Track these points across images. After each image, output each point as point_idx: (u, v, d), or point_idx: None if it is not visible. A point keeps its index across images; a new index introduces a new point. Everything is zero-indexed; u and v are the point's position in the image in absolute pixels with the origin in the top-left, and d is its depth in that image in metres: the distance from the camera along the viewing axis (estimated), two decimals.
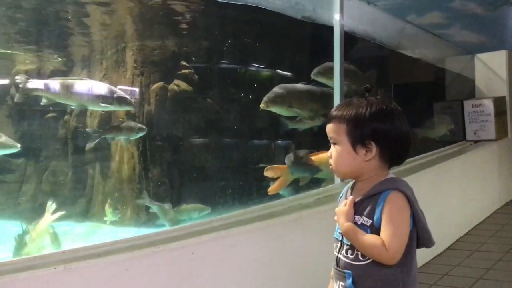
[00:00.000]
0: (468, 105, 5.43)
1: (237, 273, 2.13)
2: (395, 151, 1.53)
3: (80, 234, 4.31)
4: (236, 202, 4.38)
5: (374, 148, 1.50)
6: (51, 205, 3.63)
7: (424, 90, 5.76)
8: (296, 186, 3.84)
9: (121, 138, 3.91)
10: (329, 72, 3.32)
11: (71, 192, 4.92)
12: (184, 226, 2.17)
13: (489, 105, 5.31)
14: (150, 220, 4.29)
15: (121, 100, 3.42)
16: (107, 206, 4.31)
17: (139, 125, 3.93)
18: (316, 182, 3.44)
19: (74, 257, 1.72)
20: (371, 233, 1.46)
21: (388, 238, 1.42)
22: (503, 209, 5.30)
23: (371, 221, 1.47)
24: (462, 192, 4.52)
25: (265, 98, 3.54)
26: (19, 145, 3.55)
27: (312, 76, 3.53)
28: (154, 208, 4.09)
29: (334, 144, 1.56)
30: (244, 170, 4.65)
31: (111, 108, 3.42)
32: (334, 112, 1.57)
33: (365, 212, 1.49)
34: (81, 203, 4.83)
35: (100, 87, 3.25)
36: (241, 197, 4.35)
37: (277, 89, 3.62)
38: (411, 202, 1.47)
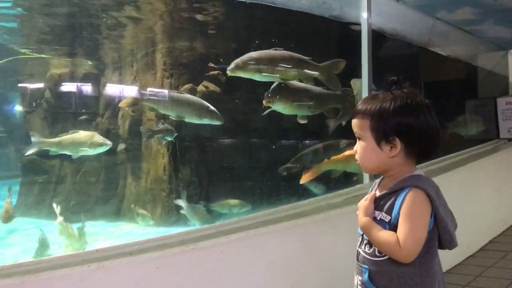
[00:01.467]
0: (501, 102, 5.30)
1: (265, 272, 2.15)
2: (422, 147, 1.49)
3: (112, 233, 4.41)
4: (264, 202, 4.39)
5: (398, 145, 1.46)
6: (57, 207, 3.71)
7: (455, 88, 5.64)
8: (325, 185, 3.83)
9: (165, 138, 4.10)
10: (248, 65, 3.22)
11: (103, 193, 5.04)
12: (213, 225, 2.19)
13: None
14: (180, 219, 4.35)
15: (213, 115, 3.70)
16: (138, 211, 4.39)
17: (170, 127, 4.10)
18: (347, 176, 3.43)
19: (107, 255, 1.76)
20: (390, 229, 1.44)
21: (403, 236, 1.39)
22: None
23: (389, 217, 1.45)
24: (495, 191, 4.41)
25: (267, 94, 3.41)
26: (110, 143, 3.72)
27: (229, 72, 3.23)
28: (187, 209, 4.16)
29: (359, 139, 1.54)
30: (272, 170, 4.66)
31: (204, 121, 3.73)
32: (359, 106, 1.54)
33: (385, 208, 1.47)
34: (113, 203, 4.93)
35: (196, 102, 3.62)
36: (270, 197, 4.36)
37: (279, 85, 3.49)
38: (433, 201, 1.42)
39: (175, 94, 3.80)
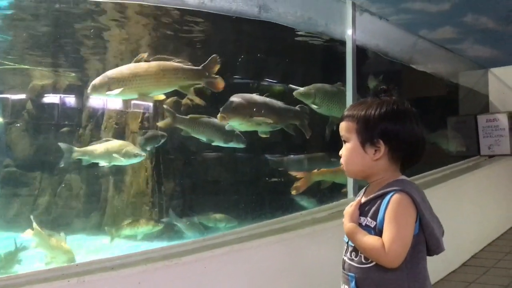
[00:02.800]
0: (482, 119, 5.39)
1: (250, 287, 2.12)
2: (405, 151, 1.51)
3: (94, 247, 4.33)
4: (249, 216, 4.37)
5: (382, 147, 1.49)
6: (33, 219, 3.65)
7: (437, 104, 5.73)
8: (311, 199, 3.85)
9: (150, 146, 4.06)
10: (104, 86, 2.91)
11: (84, 206, 4.96)
12: (197, 240, 2.17)
13: (503, 119, 5.27)
14: (163, 233, 4.30)
15: (238, 138, 3.76)
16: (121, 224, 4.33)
17: (160, 132, 4.05)
18: (336, 187, 3.44)
19: (88, 270, 1.73)
20: (375, 234, 1.43)
21: (388, 240, 1.39)
22: None
23: (375, 223, 1.45)
24: (477, 207, 4.46)
25: (223, 109, 3.15)
26: (144, 154, 3.68)
27: (89, 94, 3.01)
28: (180, 225, 4.12)
29: (345, 142, 1.56)
30: (257, 184, 4.65)
31: (230, 144, 3.76)
32: (346, 111, 1.58)
33: (370, 214, 1.47)
34: (94, 216, 4.86)
35: (222, 127, 3.56)
36: (254, 211, 4.35)
37: (235, 99, 3.21)
38: (418, 205, 1.43)
39: (205, 118, 3.78)
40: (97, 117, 5.12)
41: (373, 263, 1.44)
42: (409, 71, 5.14)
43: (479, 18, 6.70)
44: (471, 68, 6.06)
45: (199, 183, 4.76)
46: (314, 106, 3.56)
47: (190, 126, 3.64)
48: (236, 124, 3.27)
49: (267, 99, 3.45)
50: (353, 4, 3.33)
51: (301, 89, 3.59)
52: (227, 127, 3.41)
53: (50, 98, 5.50)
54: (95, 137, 5.07)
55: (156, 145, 4.08)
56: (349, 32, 3.31)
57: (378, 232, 1.43)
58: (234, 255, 2.08)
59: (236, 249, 2.08)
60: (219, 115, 3.14)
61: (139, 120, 4.81)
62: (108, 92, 2.93)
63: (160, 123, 3.98)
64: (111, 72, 2.99)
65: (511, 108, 5.57)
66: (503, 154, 5.26)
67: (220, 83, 3.09)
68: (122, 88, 2.90)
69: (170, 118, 3.66)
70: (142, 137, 4.19)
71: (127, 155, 3.59)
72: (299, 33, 4.16)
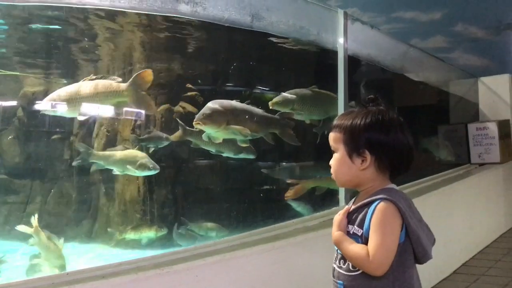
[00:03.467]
0: (472, 128, 5.45)
1: None
2: (392, 161, 1.53)
3: (84, 255, 4.29)
4: (240, 224, 4.36)
5: (368, 157, 1.51)
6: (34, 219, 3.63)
7: (428, 113, 5.79)
8: (302, 208, 3.84)
9: (152, 146, 4.04)
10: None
11: (75, 213, 4.92)
12: (188, 248, 2.16)
13: (493, 128, 5.32)
14: (154, 242, 4.27)
15: (248, 150, 3.71)
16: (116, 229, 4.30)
17: (165, 134, 4.05)
18: (332, 193, 3.44)
19: (78, 278, 1.71)
20: (362, 242, 1.45)
21: (372, 248, 1.41)
22: (510, 233, 5.25)
23: (362, 231, 1.47)
24: (467, 215, 4.49)
25: (199, 115, 3.02)
26: (158, 168, 3.63)
27: None
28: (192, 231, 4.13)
29: (334, 152, 1.59)
30: (249, 192, 4.64)
31: (240, 156, 3.74)
32: (335, 121, 1.60)
33: (357, 222, 1.49)
34: (85, 224, 4.82)
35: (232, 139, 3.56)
36: (246, 219, 4.34)
37: (211, 105, 3.08)
38: (403, 213, 1.44)
39: None
40: (88, 124, 5.09)
41: (360, 271, 1.45)
42: (401, 79, 5.18)
43: (469, 28, 6.82)
44: (462, 77, 6.13)
45: (191, 190, 4.75)
46: (294, 113, 3.50)
47: (200, 138, 3.56)
48: (212, 132, 3.14)
49: (247, 106, 3.31)
50: (345, 13, 3.36)
51: (277, 97, 3.50)
52: (203, 136, 3.29)
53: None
54: (86, 144, 5.05)
55: (158, 146, 4.03)
56: (341, 41, 3.34)
57: (365, 240, 1.45)
58: (226, 264, 2.07)
59: (228, 258, 2.08)
60: (194, 121, 3.02)
61: (131, 127, 4.79)
62: (53, 109, 3.01)
63: (172, 137, 3.88)
64: (60, 91, 3.06)
65: (500, 116, 5.64)
66: (493, 162, 5.31)
67: (148, 102, 3.06)
68: (65, 107, 2.98)
69: (181, 130, 3.61)
70: (146, 136, 4.11)
71: (141, 167, 3.57)
72: (291, 41, 4.18)
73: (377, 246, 1.40)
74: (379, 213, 1.43)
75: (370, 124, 1.51)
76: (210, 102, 3.11)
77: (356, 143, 1.52)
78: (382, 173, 1.53)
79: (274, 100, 3.49)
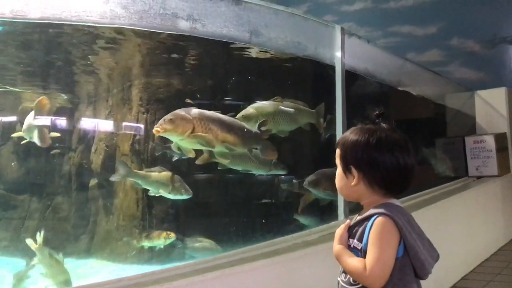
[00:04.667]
0: (469, 141, 5.47)
1: None
2: (383, 179, 1.54)
3: (83, 271, 4.27)
4: (240, 239, 4.35)
5: (356, 175, 1.55)
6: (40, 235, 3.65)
7: (425, 126, 5.82)
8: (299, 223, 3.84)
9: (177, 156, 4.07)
10: None
11: (73, 229, 4.91)
12: (188, 263, 2.16)
13: (490, 141, 5.35)
14: (153, 257, 4.26)
15: (277, 166, 3.84)
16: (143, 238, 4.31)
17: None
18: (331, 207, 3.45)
19: None
20: (362, 256, 1.48)
21: (369, 262, 1.43)
22: (508, 246, 5.25)
23: (361, 245, 1.49)
24: (466, 228, 4.49)
25: (160, 121, 2.77)
26: (191, 193, 3.72)
27: None
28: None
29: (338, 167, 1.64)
30: (248, 206, 4.64)
31: (272, 172, 3.88)
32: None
33: (357, 236, 1.52)
34: (84, 239, 4.80)
35: (258, 157, 3.62)
36: (245, 234, 4.33)
37: (177, 111, 2.84)
38: (400, 228, 1.46)
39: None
40: (87, 139, 5.10)
41: (360, 284, 1.47)
42: (398, 93, 5.22)
43: (465, 42, 6.89)
44: (458, 91, 6.18)
45: (190, 205, 4.75)
46: (261, 126, 3.41)
47: (226, 157, 3.55)
48: (175, 139, 2.88)
49: (224, 117, 3.03)
50: (342, 29, 3.41)
51: (242, 112, 3.44)
52: (173, 146, 3.21)
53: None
54: (85, 160, 5.06)
55: (182, 157, 4.01)
56: (338, 55, 3.38)
57: (364, 254, 1.48)
58: (226, 279, 2.07)
59: (227, 273, 2.08)
60: (155, 127, 2.78)
61: (130, 142, 4.80)
62: None
63: (198, 161, 3.61)
64: None
65: (497, 129, 5.67)
66: (490, 175, 5.32)
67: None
68: None
69: (207, 153, 3.49)
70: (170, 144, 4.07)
71: (174, 191, 3.67)
72: (288, 56, 4.22)
73: (374, 260, 1.42)
74: (376, 228, 1.46)
75: (358, 142, 1.55)
76: (177, 110, 2.88)
77: (346, 160, 1.57)
78: (376, 189, 1.55)
79: (239, 114, 3.39)
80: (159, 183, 3.70)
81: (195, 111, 2.89)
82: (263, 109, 3.59)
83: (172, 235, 4.09)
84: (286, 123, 3.66)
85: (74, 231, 4.87)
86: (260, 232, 4.29)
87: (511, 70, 6.56)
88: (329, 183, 3.55)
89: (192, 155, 3.07)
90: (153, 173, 3.76)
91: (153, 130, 2.77)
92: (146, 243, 4.14)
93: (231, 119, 3.14)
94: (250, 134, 3.26)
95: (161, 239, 4.07)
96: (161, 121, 2.75)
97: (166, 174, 3.75)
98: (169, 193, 3.67)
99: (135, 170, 3.87)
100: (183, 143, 2.91)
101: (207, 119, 2.90)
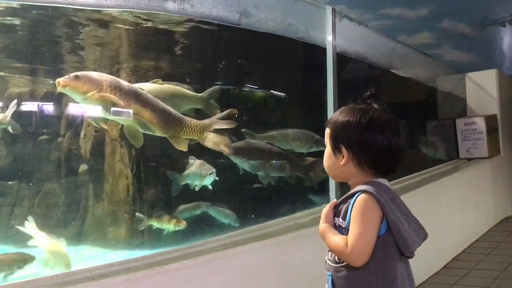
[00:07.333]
0: (460, 123, 5.49)
1: None
2: (372, 159, 1.53)
3: (73, 257, 4.25)
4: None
5: (345, 154, 1.54)
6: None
7: (416, 109, 5.82)
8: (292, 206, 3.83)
9: None
10: None
11: (64, 215, 4.87)
12: (179, 247, 2.14)
13: (480, 123, 5.37)
14: (144, 242, 4.24)
15: (318, 142, 3.85)
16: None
17: None
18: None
19: (68, 281, 1.69)
20: (346, 234, 1.48)
21: (351, 239, 1.44)
22: (498, 226, 5.31)
23: (345, 223, 1.50)
24: (457, 210, 4.53)
25: (66, 76, 2.38)
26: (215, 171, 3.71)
27: None
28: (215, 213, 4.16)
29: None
30: (240, 190, 4.63)
31: (313, 148, 3.90)
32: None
33: (341, 214, 1.53)
34: (74, 225, 4.77)
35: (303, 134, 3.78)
36: (238, 217, 4.33)
37: (86, 71, 2.45)
38: (382, 206, 1.46)
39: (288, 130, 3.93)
40: (76, 124, 5.04)
41: (345, 263, 1.48)
42: (389, 76, 5.20)
43: (456, 24, 6.87)
44: (449, 73, 6.17)
45: (183, 190, 4.73)
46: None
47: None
48: (78, 98, 2.48)
49: (143, 92, 2.60)
50: (333, 10, 3.36)
51: None
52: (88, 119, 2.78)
53: (28, 106, 5.40)
54: (74, 145, 5.00)
55: None
56: (330, 38, 3.33)
57: (347, 231, 1.48)
58: (218, 263, 2.06)
59: (219, 256, 2.07)
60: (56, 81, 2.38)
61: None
62: None
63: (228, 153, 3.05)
64: None
65: (488, 111, 5.69)
66: (481, 157, 5.35)
67: None
68: None
69: (111, 127, 3.47)
70: None
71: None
72: (280, 39, 4.17)
73: (355, 237, 1.43)
74: (358, 205, 1.46)
75: (348, 122, 1.54)
76: None
77: (336, 139, 1.56)
78: (365, 169, 1.55)
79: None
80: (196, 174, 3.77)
81: (109, 76, 2.52)
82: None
83: (182, 224, 4.06)
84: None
85: (64, 217, 4.84)
86: (252, 215, 4.29)
87: (501, 52, 6.57)
88: (257, 154, 3.60)
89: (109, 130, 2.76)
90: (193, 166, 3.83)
91: (55, 81, 2.38)
92: (155, 223, 4.12)
93: (154, 98, 2.67)
94: (174, 118, 2.73)
95: (171, 225, 4.05)
96: (66, 76, 2.39)
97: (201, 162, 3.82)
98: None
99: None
100: (84, 102, 2.49)
101: (120, 86, 2.49)
